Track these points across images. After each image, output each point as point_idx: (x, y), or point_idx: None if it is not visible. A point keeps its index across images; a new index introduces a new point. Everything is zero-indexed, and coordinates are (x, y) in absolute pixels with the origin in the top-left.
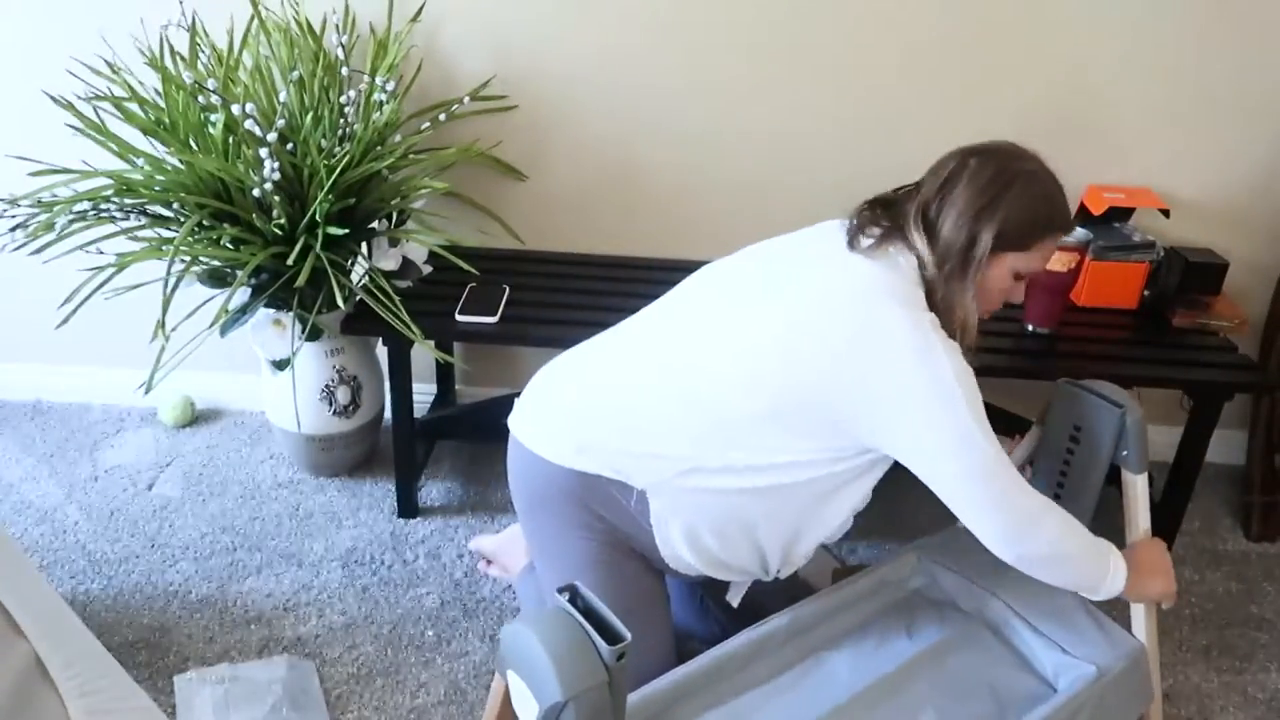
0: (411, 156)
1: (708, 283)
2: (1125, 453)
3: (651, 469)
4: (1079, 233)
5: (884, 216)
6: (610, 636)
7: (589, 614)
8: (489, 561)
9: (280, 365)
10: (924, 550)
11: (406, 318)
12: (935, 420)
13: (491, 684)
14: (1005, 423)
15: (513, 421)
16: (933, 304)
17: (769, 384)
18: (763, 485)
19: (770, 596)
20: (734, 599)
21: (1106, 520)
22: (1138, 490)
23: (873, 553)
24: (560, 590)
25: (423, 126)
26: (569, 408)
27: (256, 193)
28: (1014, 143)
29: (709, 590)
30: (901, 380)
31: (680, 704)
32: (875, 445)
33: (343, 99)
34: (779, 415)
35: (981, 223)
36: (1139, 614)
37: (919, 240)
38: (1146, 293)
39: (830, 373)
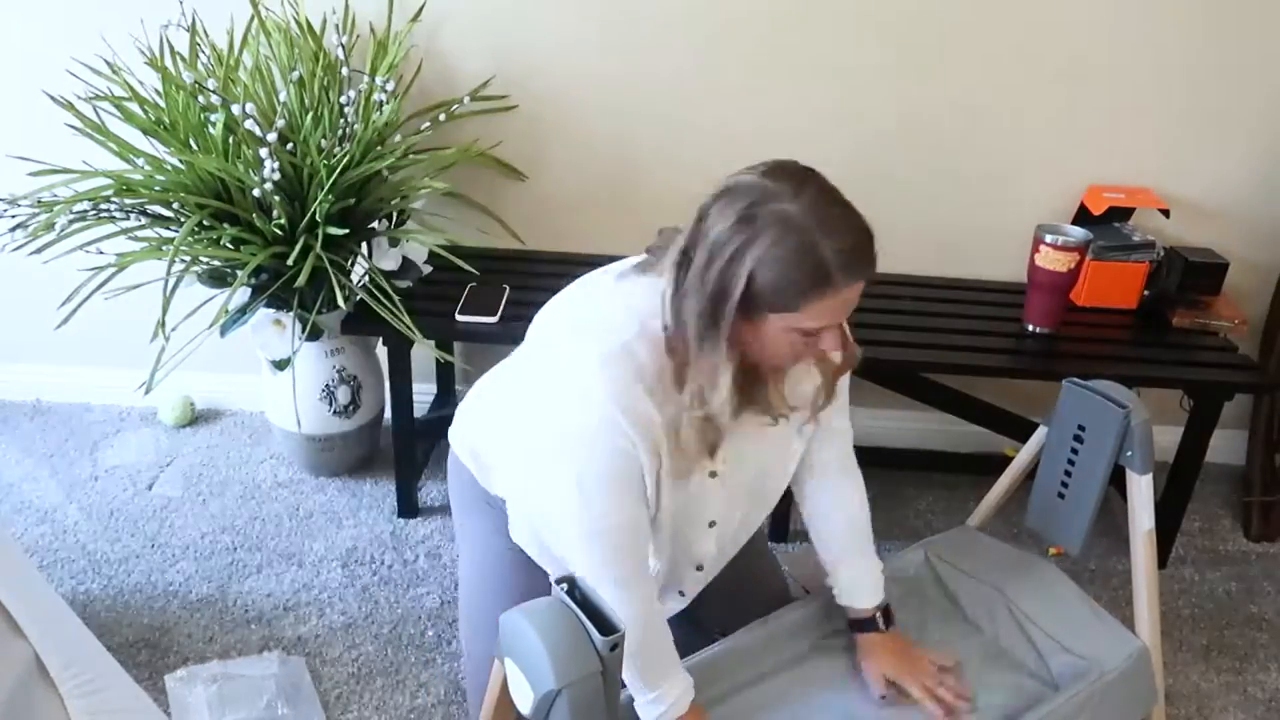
0: (411, 156)
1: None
2: (1130, 453)
3: (494, 481)
4: (1079, 232)
5: (657, 247)
6: (605, 627)
7: (585, 605)
8: None
9: (280, 365)
10: (931, 548)
11: (406, 318)
12: (542, 455)
13: (492, 670)
14: (1006, 423)
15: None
16: (676, 350)
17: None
18: None
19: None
20: None
21: (1108, 520)
22: (1142, 491)
23: None
24: (558, 581)
25: (423, 126)
26: (470, 409)
27: (256, 193)
28: (792, 164)
29: None
30: (536, 405)
31: None
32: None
33: (343, 99)
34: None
35: (726, 279)
36: (1142, 614)
37: (668, 278)
38: (1146, 293)
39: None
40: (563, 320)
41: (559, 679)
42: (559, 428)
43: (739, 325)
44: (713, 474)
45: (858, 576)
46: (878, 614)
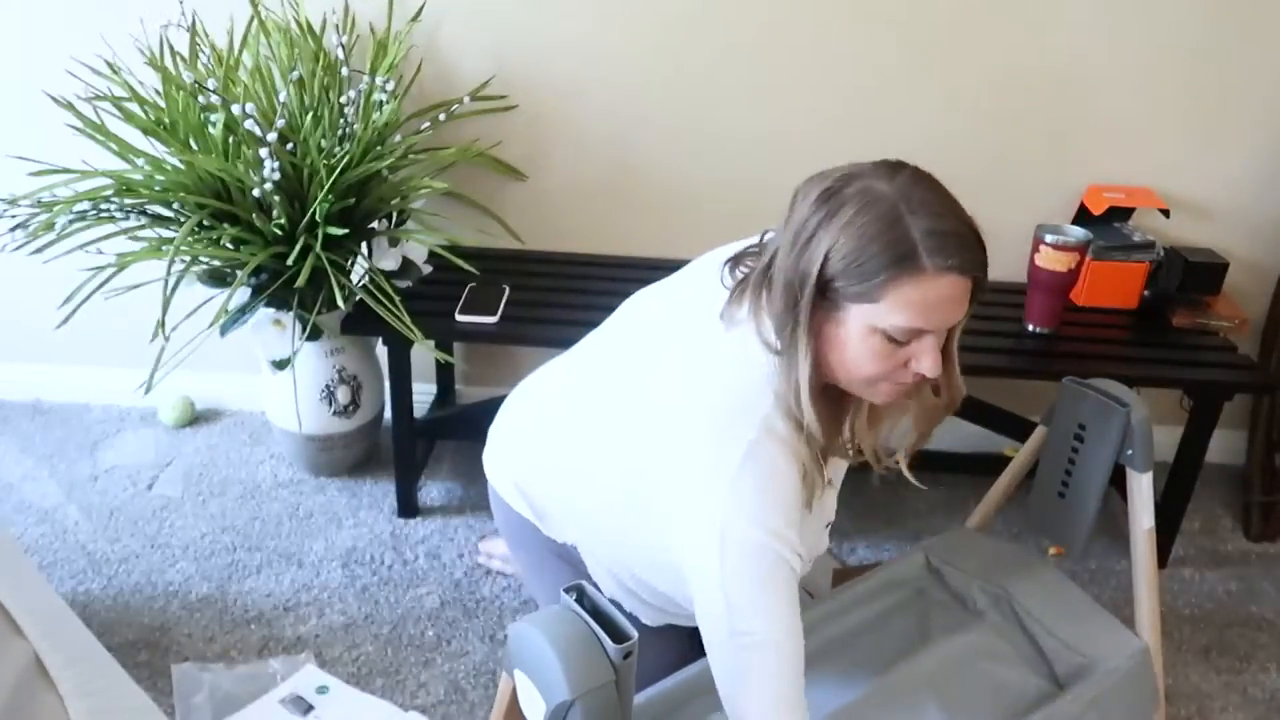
0: (411, 156)
1: (621, 326)
2: (1130, 452)
3: (564, 528)
4: (1079, 232)
5: (744, 268)
6: (617, 635)
7: (596, 613)
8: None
9: (280, 365)
10: (932, 550)
11: (406, 318)
12: (692, 562)
13: (499, 684)
14: (1006, 423)
15: (486, 450)
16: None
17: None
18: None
19: None
20: None
21: (1107, 520)
22: (1143, 489)
23: (872, 553)
24: (567, 590)
25: (423, 126)
26: (512, 443)
27: (256, 193)
28: (887, 160)
29: None
30: (678, 516)
31: (688, 704)
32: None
33: (343, 99)
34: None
35: (804, 260)
36: (1143, 613)
37: (764, 302)
38: (1146, 293)
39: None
40: (674, 389)
41: (573, 689)
42: (694, 523)
43: (819, 318)
44: (829, 481)
45: None
46: None
